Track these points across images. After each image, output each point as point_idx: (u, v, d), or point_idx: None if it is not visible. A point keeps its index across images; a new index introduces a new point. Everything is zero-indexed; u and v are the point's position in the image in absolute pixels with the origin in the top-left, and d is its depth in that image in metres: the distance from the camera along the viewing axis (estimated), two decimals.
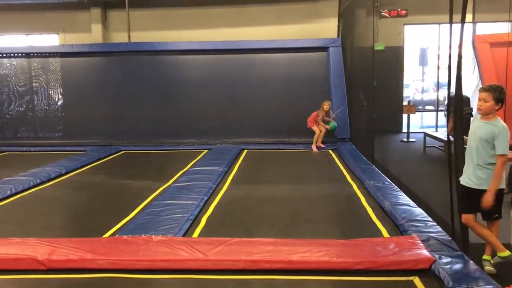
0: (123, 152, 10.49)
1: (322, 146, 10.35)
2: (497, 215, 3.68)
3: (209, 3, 12.87)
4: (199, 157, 9.22)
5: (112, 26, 13.34)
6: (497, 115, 3.68)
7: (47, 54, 12.00)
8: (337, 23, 12.47)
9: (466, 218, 3.74)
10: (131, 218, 5.28)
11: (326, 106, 10.26)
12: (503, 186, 3.65)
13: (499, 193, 3.61)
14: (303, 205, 5.82)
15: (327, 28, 12.57)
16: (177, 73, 11.85)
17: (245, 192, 6.60)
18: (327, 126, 10.31)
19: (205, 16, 12.92)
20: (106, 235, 4.75)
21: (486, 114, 3.65)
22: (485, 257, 3.80)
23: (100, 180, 7.62)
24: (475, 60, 11.35)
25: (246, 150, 10.23)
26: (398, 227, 4.74)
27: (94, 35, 13.02)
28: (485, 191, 3.58)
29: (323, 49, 11.80)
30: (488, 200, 3.56)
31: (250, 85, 11.62)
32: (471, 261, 3.61)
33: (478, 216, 3.74)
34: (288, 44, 11.79)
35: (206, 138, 11.07)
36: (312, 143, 10.30)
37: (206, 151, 10.09)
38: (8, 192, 6.41)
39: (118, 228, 4.96)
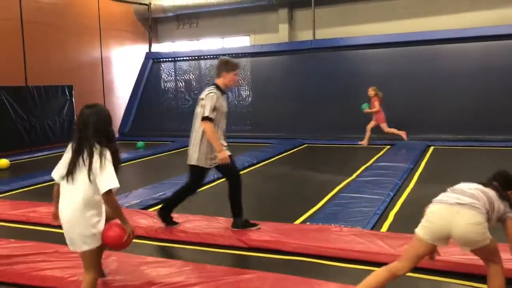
0: (306, 145, 10.90)
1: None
2: None
3: None
4: (381, 153, 9.07)
5: (298, 25, 13.91)
6: None
7: (239, 55, 13.13)
8: None
9: None
10: (318, 208, 5.50)
11: (370, 91, 10.10)
12: None
13: None
14: None
15: None
16: (359, 68, 11.78)
17: (434, 192, 6.24)
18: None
19: (389, 8, 12.57)
20: (297, 221, 5.03)
21: None
22: None
23: (286, 171, 8.07)
24: None
25: (432, 147, 9.69)
26: None
27: (280, 34, 13.77)
28: None
29: None
30: None
31: (437, 78, 10.94)
32: None
33: None
34: (483, 32, 10.73)
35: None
36: None
37: (388, 146, 9.86)
38: (211, 177, 7.14)
39: (308, 216, 5.21)
